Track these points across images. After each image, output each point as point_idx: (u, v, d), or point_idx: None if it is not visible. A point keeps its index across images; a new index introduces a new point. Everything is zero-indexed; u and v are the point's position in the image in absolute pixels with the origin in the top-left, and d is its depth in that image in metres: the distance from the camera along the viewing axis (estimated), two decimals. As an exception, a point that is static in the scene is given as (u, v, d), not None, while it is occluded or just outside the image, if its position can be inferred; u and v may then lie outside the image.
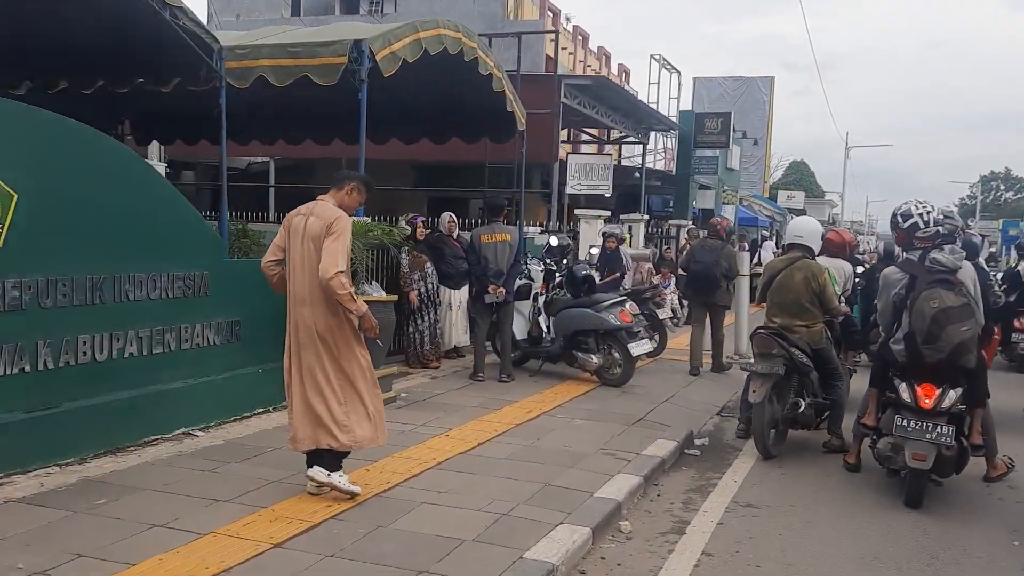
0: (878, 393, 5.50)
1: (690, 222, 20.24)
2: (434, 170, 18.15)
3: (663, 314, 10.44)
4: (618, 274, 9.75)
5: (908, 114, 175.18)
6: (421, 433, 6.08)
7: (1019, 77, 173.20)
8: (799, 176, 60.97)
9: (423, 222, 8.96)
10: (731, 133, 20.75)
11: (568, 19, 40.85)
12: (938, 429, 4.93)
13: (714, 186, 22.86)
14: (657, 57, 27.61)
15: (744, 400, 6.54)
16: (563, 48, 38.86)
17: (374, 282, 6.94)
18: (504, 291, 8.18)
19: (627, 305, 8.64)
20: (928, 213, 5.28)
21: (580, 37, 41.35)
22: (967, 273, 5.25)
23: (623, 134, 21.19)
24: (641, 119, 19.54)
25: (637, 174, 20.69)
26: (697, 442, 6.63)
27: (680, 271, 12.00)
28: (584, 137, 22.18)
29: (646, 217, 17.54)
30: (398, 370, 7.96)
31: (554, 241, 9.49)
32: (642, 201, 20.58)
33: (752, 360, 6.24)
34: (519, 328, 8.86)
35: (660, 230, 20.42)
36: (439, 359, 9.00)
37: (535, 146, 13.65)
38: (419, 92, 10.19)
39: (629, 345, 8.10)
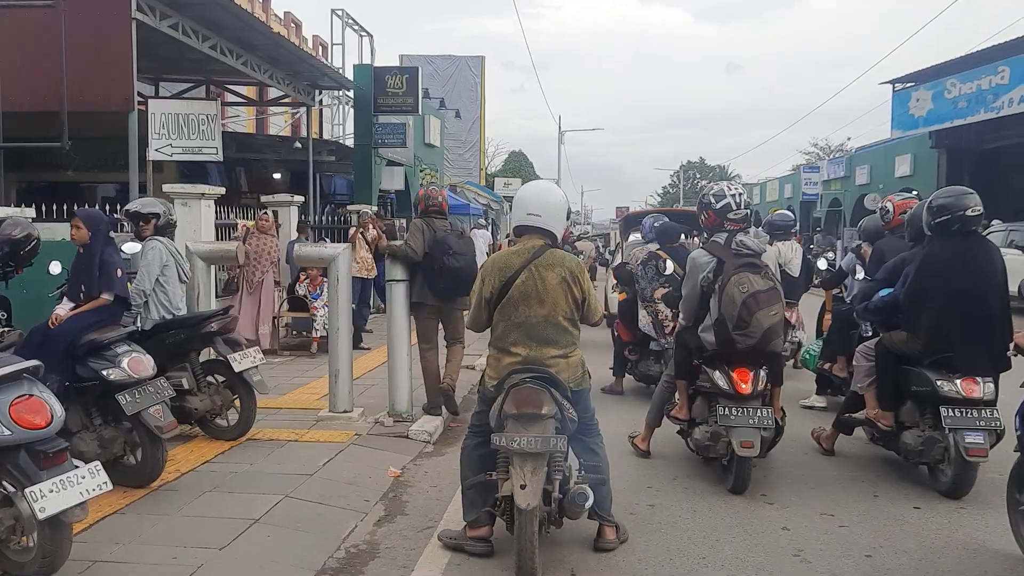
0: (686, 384, 5.27)
1: (374, 207, 15.71)
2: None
3: (245, 362, 5.62)
4: (105, 296, 4.65)
5: (616, 113, 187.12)
6: None
7: (707, 80, 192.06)
8: (518, 166, 60.61)
9: None
10: (420, 95, 16.43)
11: (245, -24, 34.77)
12: (759, 413, 4.85)
13: (406, 162, 18.47)
14: (339, 12, 22.73)
15: (471, 496, 4.02)
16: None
17: None
18: None
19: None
20: (740, 195, 5.12)
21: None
22: (769, 256, 5.39)
23: (284, 94, 16.19)
24: (298, 70, 14.60)
25: (298, 144, 15.74)
26: None
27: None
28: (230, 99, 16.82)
29: (299, 199, 12.65)
30: None
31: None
32: (311, 180, 15.69)
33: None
34: None
35: (336, 218, 15.77)
36: None
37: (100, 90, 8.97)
38: None
39: (32, 491, 3.13)
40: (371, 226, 11.42)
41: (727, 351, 4.87)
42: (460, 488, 4.14)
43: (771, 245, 8.79)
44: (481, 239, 19.28)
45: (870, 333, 6.04)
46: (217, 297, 9.57)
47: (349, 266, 6.45)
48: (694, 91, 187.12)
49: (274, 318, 10.18)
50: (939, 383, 4.83)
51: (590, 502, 3.77)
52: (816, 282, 8.60)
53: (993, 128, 21.19)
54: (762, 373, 4.90)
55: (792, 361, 9.21)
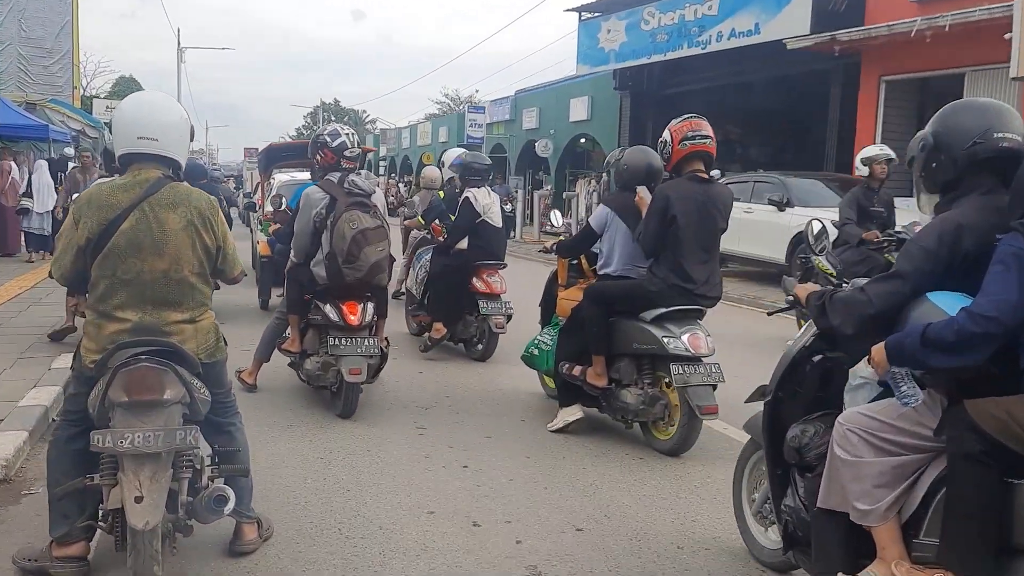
0: (299, 319, 5.59)
1: None
2: None
3: None
4: None
5: (242, 51, 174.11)
6: None
7: (331, 21, 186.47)
8: (128, 92, 50.17)
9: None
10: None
11: None
12: (366, 343, 5.24)
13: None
14: None
15: (63, 507, 3.18)
16: None
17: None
18: None
19: None
20: (353, 136, 5.41)
21: None
22: (379, 198, 5.41)
23: None
24: None
25: None
26: None
27: None
28: None
29: None
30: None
31: None
32: None
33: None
34: None
35: None
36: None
37: None
38: None
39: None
40: None
41: (337, 284, 5.20)
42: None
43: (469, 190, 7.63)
44: (42, 170, 13.35)
45: (912, 391, 2.58)
46: None
47: None
48: (322, 32, 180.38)
49: None
50: None
51: (231, 505, 3.06)
52: (550, 247, 5.98)
53: (677, 70, 19.49)
54: (369, 306, 5.33)
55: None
